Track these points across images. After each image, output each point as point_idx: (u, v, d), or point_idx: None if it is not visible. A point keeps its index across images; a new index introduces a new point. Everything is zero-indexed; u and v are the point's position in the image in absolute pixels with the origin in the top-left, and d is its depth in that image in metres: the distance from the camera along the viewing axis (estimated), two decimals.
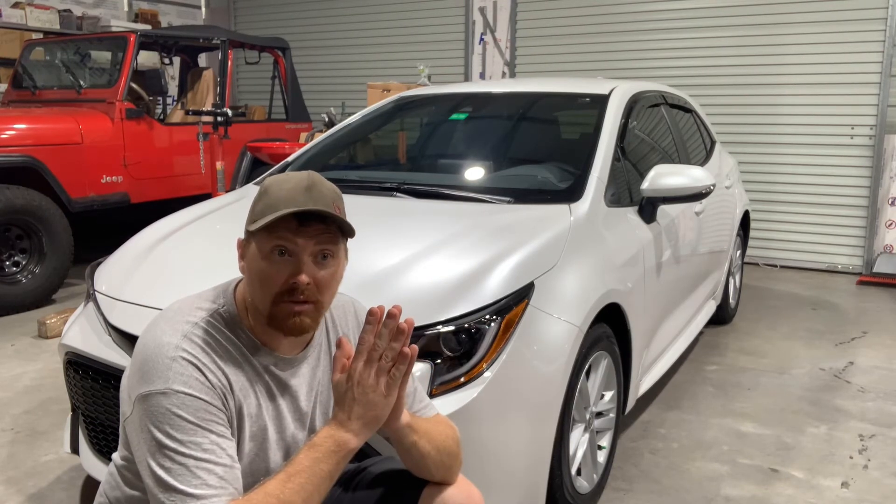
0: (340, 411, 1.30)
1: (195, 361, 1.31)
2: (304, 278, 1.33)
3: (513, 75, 7.71)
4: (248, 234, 1.38)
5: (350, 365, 1.31)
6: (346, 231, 1.38)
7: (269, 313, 1.36)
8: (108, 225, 6.40)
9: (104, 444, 2.31)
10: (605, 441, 2.66)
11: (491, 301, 2.09)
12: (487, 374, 2.00)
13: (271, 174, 3.49)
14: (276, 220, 1.31)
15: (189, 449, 1.24)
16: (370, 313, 1.29)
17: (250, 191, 3.25)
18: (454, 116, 3.67)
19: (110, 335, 2.28)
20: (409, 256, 2.25)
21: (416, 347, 1.31)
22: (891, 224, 6.24)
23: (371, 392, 1.29)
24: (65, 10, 7.67)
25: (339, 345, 1.34)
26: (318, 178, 1.38)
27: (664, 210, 3.16)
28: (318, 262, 1.36)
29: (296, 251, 1.34)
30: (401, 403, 1.37)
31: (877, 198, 6.24)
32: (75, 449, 2.45)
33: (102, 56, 6.22)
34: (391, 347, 1.29)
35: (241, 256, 1.41)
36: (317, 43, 8.89)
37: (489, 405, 1.99)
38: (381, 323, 1.29)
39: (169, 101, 7.62)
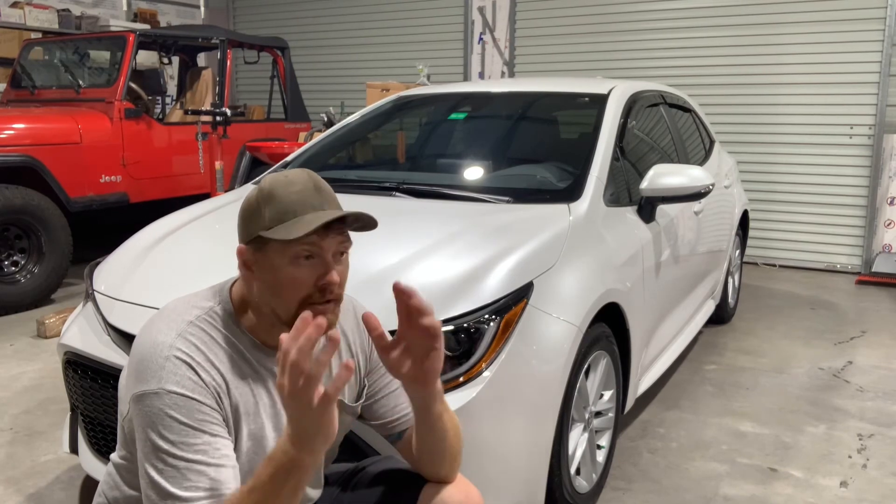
0: (288, 425, 1.17)
1: (189, 360, 1.31)
2: (335, 276, 1.34)
3: (512, 75, 7.71)
4: (261, 240, 1.33)
5: (278, 380, 1.14)
6: (367, 226, 1.39)
7: (294, 316, 1.31)
8: (107, 225, 6.39)
9: (103, 443, 2.31)
10: (604, 440, 2.66)
11: (490, 301, 2.09)
12: (486, 373, 2.01)
13: (270, 174, 3.49)
14: (317, 228, 1.29)
15: (181, 450, 1.24)
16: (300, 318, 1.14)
17: (249, 190, 3.25)
18: (453, 116, 3.67)
19: (109, 335, 2.27)
20: (408, 256, 2.25)
21: (352, 362, 1.11)
22: (889, 223, 6.24)
23: (305, 408, 1.13)
24: (63, 10, 7.66)
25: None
26: (316, 176, 1.39)
27: (663, 210, 3.17)
28: (337, 260, 1.37)
29: (320, 253, 1.33)
30: (436, 368, 1.33)
31: (876, 197, 6.24)
32: (74, 449, 2.45)
33: (101, 56, 6.22)
34: (317, 359, 1.12)
35: (247, 264, 1.37)
36: (316, 43, 8.89)
37: (488, 405, 1.99)
38: (305, 331, 1.12)
39: (168, 100, 7.62)
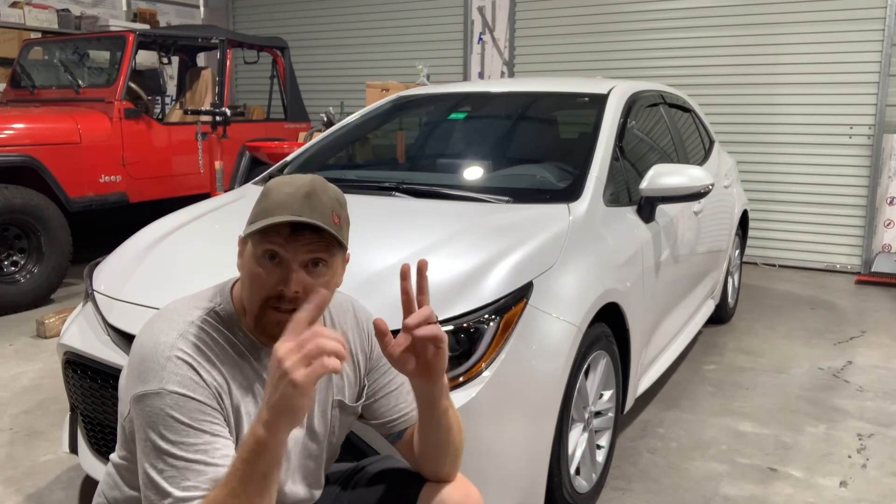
0: (263, 400, 1.14)
1: (190, 361, 1.31)
2: (291, 288, 1.31)
3: (511, 75, 7.71)
4: (245, 235, 1.37)
5: (278, 343, 1.13)
6: (340, 244, 1.36)
7: (256, 317, 1.35)
8: (107, 225, 6.39)
9: (103, 443, 2.31)
10: (603, 440, 2.66)
11: (490, 300, 2.09)
12: (486, 373, 2.01)
13: (270, 174, 3.49)
14: (269, 226, 1.30)
15: (180, 450, 1.24)
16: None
17: (249, 190, 3.25)
18: (453, 116, 3.67)
19: (109, 335, 2.27)
20: (408, 256, 2.25)
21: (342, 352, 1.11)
22: (889, 223, 6.24)
23: (284, 376, 1.10)
24: (63, 10, 7.66)
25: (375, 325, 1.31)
26: (320, 184, 1.35)
27: (663, 209, 3.17)
28: (310, 270, 1.34)
29: (286, 258, 1.32)
30: (442, 365, 1.34)
31: (875, 197, 6.24)
32: (74, 449, 2.45)
33: (101, 55, 6.22)
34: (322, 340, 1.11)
35: (240, 254, 1.41)
36: (315, 42, 8.89)
37: (488, 404, 1.99)
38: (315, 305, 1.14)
39: (167, 100, 7.62)
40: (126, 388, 1.34)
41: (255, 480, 1.14)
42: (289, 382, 1.09)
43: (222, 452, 1.27)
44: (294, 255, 1.32)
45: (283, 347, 1.11)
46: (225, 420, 1.33)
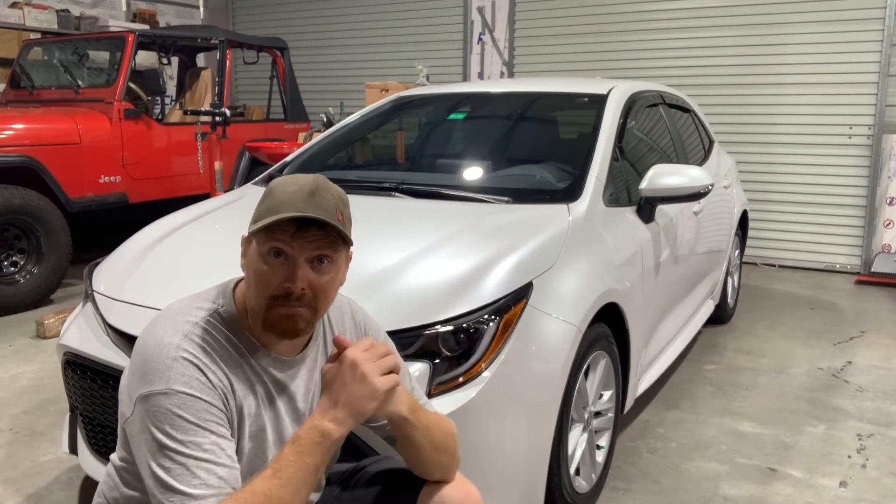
0: (327, 398, 1.29)
1: (196, 361, 1.31)
2: (297, 285, 1.32)
3: (511, 75, 7.71)
4: (250, 233, 1.38)
5: (346, 351, 1.31)
6: (345, 240, 1.37)
7: (264, 316, 1.36)
8: (107, 225, 6.39)
9: (102, 444, 2.31)
10: (603, 441, 2.66)
11: (489, 301, 2.09)
12: (486, 373, 2.01)
13: (270, 174, 3.49)
14: (275, 223, 1.31)
15: (189, 449, 1.24)
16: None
17: (249, 191, 3.25)
18: (452, 116, 3.67)
19: (109, 335, 2.27)
20: (408, 256, 2.25)
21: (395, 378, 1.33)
22: (889, 224, 6.24)
23: (365, 379, 1.29)
24: (63, 10, 7.66)
25: (336, 343, 1.35)
26: (323, 182, 1.37)
27: (662, 210, 3.17)
28: (315, 267, 1.35)
29: (292, 255, 1.33)
30: (396, 390, 1.36)
31: (875, 197, 6.25)
32: (74, 449, 2.45)
33: (100, 56, 6.22)
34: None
35: (244, 254, 1.41)
36: (315, 43, 8.89)
37: (488, 405, 1.99)
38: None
39: (167, 101, 7.62)
40: (129, 389, 1.34)
41: (308, 471, 1.24)
42: (370, 385, 1.28)
43: (227, 453, 1.28)
44: (300, 252, 1.33)
45: (357, 353, 1.30)
46: (228, 421, 1.33)
